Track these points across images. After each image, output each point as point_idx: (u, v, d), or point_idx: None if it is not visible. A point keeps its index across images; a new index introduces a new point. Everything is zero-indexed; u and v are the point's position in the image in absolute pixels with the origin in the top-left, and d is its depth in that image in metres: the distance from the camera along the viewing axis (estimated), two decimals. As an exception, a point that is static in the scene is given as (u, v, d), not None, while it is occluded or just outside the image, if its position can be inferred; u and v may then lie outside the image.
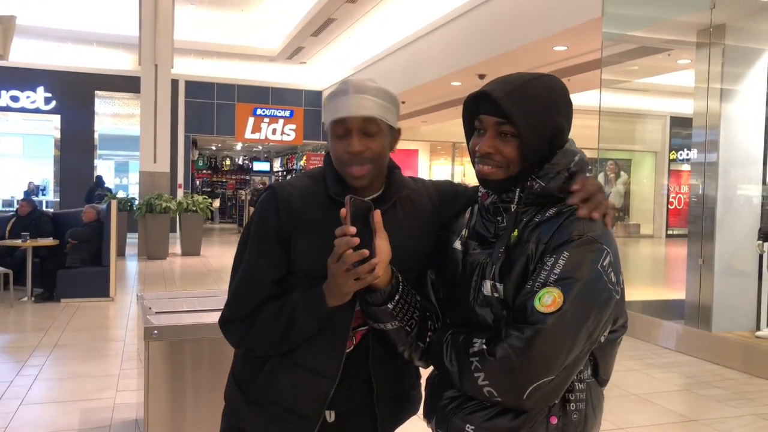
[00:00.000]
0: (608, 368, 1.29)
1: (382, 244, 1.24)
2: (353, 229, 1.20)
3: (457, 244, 1.35)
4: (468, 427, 1.22)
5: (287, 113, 15.49)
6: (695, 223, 6.27)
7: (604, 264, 1.15)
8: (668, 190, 17.10)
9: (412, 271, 1.40)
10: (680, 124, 15.96)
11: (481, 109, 1.26)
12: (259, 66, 15.81)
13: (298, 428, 1.39)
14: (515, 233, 1.24)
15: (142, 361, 3.05)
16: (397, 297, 1.27)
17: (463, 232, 1.36)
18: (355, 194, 1.31)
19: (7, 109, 14.80)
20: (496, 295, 1.23)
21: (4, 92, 14.57)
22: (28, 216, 8.15)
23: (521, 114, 1.20)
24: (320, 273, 1.30)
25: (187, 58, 14.86)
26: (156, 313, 3.08)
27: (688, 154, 13.04)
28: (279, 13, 13.24)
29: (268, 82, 16.47)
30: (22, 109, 14.90)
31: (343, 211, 1.23)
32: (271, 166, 24.39)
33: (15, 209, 8.67)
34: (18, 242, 7.52)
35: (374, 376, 1.41)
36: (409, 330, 1.29)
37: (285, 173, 19.13)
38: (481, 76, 9.99)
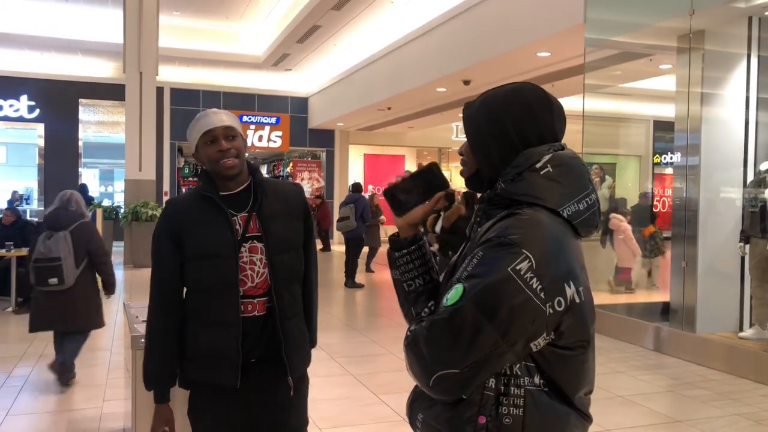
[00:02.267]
0: (570, 384, 1.24)
1: (420, 209, 1.38)
2: (406, 174, 1.40)
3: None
4: (419, 416, 1.32)
5: (273, 120, 15.48)
6: (678, 225, 6.35)
7: (518, 268, 1.12)
8: (653, 193, 17.27)
9: (290, 252, 1.99)
10: (663, 128, 16.12)
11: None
12: (245, 73, 15.80)
13: (225, 367, 1.90)
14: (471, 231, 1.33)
15: (129, 371, 3.04)
16: (404, 251, 1.39)
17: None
18: (226, 186, 1.95)
19: (-8, 118, 14.68)
20: None
21: (-10, 100, 14.43)
22: (12, 225, 8.08)
23: (467, 117, 1.34)
24: (206, 253, 1.90)
25: (173, 66, 14.82)
26: (143, 321, 3.07)
27: (671, 158, 13.19)
28: (264, 20, 13.27)
29: (254, 88, 16.47)
30: (5, 118, 14.77)
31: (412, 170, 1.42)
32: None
33: None
34: (2, 252, 7.46)
35: (282, 331, 1.94)
36: (405, 288, 1.39)
37: (274, 179, 19.11)
38: (466, 82, 10.06)
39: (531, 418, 1.18)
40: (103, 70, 15.09)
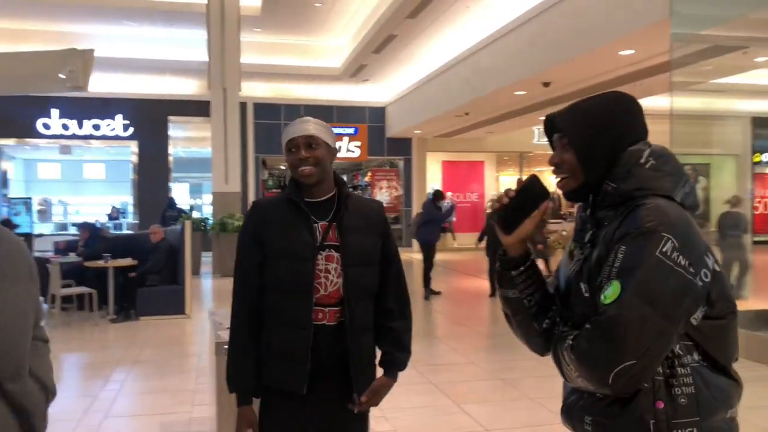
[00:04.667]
0: (724, 353, 1.31)
1: (529, 223, 1.42)
2: (512, 194, 1.44)
3: (567, 251, 1.51)
4: (587, 419, 1.33)
5: (351, 130, 15.70)
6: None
7: (664, 250, 1.20)
8: (752, 194, 16.25)
9: (365, 266, 2.00)
10: (764, 124, 15.18)
11: (554, 130, 1.46)
12: (324, 85, 16.12)
13: (294, 371, 1.93)
14: (588, 235, 1.38)
15: (214, 376, 3.14)
16: (522, 268, 1.44)
17: (570, 243, 1.52)
18: (310, 193, 2.00)
19: (90, 137, 15.66)
20: (587, 295, 1.34)
21: (86, 121, 15.41)
22: (100, 238, 8.60)
23: (570, 125, 1.39)
24: (285, 252, 1.96)
25: (255, 81, 15.32)
26: (226, 328, 3.16)
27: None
28: (341, 33, 13.52)
29: (332, 100, 16.77)
30: (104, 137, 15.72)
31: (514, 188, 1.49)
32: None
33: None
34: (100, 263, 7.91)
35: (350, 345, 1.95)
36: (526, 304, 1.44)
37: (352, 189, 19.37)
38: (546, 84, 9.83)
39: (702, 395, 1.25)
40: (190, 87, 15.80)
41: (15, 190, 17.59)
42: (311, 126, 2.01)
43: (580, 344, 1.25)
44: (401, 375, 2.08)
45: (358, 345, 1.99)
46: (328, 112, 16.59)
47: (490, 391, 5.00)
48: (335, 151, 2.07)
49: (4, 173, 16.64)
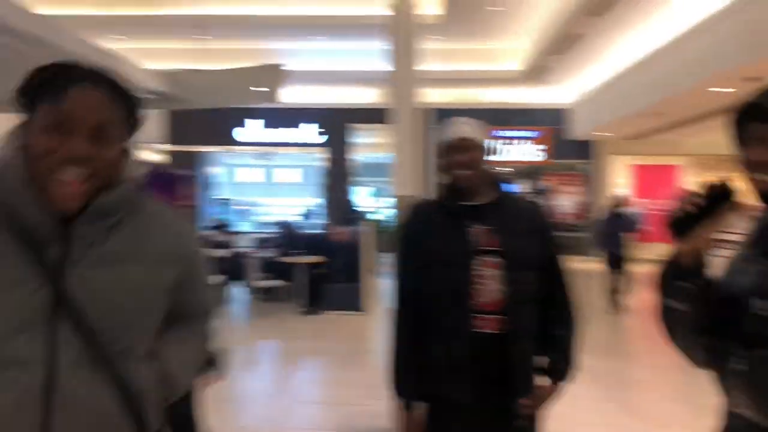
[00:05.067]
0: None
1: (706, 231, 1.25)
2: (697, 200, 1.27)
3: (740, 257, 1.32)
4: None
5: (532, 134, 15.37)
6: None
7: None
8: None
9: (527, 271, 1.90)
10: None
11: (759, 118, 1.22)
12: (503, 89, 15.99)
13: (456, 381, 1.88)
14: None
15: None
16: (696, 279, 1.28)
17: (742, 247, 1.33)
18: (467, 196, 1.96)
19: (284, 144, 17.10)
20: (763, 312, 1.17)
21: (280, 129, 16.87)
22: (294, 236, 9.30)
23: None
24: (439, 259, 1.91)
25: (433, 88, 15.63)
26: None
27: None
28: (521, 35, 13.30)
29: (511, 103, 16.55)
30: (295, 144, 17.09)
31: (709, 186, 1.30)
32: (520, 187, 24.24)
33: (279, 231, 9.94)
34: (294, 258, 8.58)
35: (513, 354, 1.88)
36: (694, 317, 1.28)
37: (534, 193, 18.93)
38: (751, 80, 8.86)
39: None
40: (371, 96, 16.56)
41: (218, 193, 19.69)
42: (467, 128, 1.96)
43: (757, 372, 1.15)
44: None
45: (522, 352, 1.92)
46: (507, 116, 16.40)
47: (682, 415, 4.62)
48: (490, 151, 2.03)
49: (212, 177, 18.66)
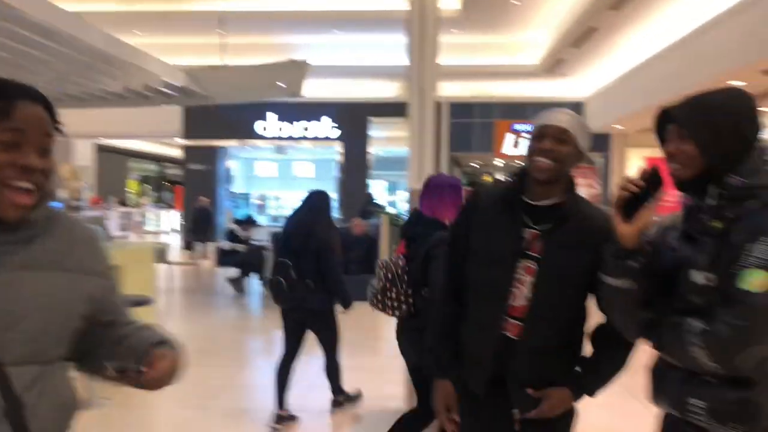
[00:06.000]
0: None
1: (647, 213, 1.46)
2: (641, 184, 1.46)
3: (670, 241, 1.55)
4: (699, 403, 1.40)
5: (548, 127, 15.33)
6: None
7: None
8: None
9: (561, 285, 1.79)
10: None
11: (671, 121, 1.50)
12: (520, 82, 15.98)
13: (477, 374, 1.89)
14: (719, 225, 1.40)
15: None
16: (640, 259, 1.47)
17: (673, 233, 1.55)
18: (533, 193, 1.84)
19: (302, 138, 17.19)
20: (705, 282, 1.39)
21: (298, 123, 16.96)
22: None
23: (690, 116, 1.44)
24: (485, 253, 1.87)
25: (450, 81, 15.66)
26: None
27: None
28: (538, 29, 13.30)
29: (528, 97, 16.54)
30: (314, 138, 17.17)
31: (646, 171, 1.48)
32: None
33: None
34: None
35: (518, 360, 1.82)
36: (636, 295, 1.48)
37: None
38: (767, 72, 8.83)
39: None
40: (389, 90, 16.60)
41: (237, 186, 19.88)
42: (567, 118, 1.82)
43: (718, 328, 1.33)
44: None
45: (530, 365, 1.84)
46: (523, 109, 16.39)
47: None
48: (582, 157, 1.85)
49: (229, 171, 18.86)
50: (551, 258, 1.80)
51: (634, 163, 17.16)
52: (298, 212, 4.57)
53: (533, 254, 1.81)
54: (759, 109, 1.45)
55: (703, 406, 1.40)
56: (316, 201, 4.53)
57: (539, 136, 1.80)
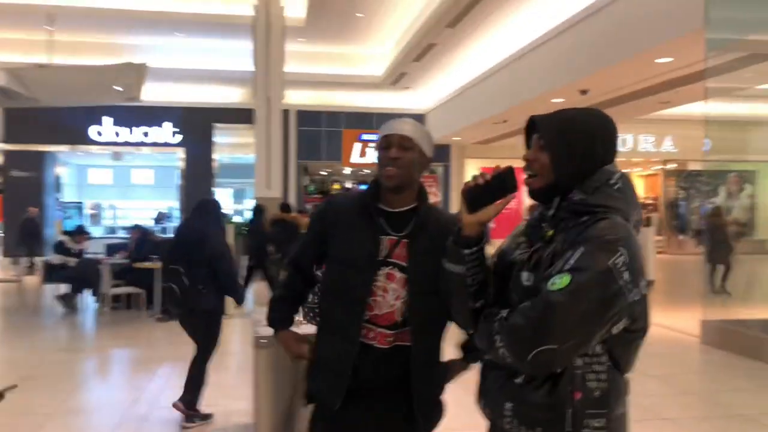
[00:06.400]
0: (627, 365, 1.46)
1: (493, 209, 1.51)
2: (488, 179, 1.51)
3: (514, 245, 1.61)
4: (508, 404, 1.44)
5: (392, 137, 15.86)
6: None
7: (617, 262, 1.32)
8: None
9: (433, 294, 1.70)
10: (811, 131, 14.73)
11: (535, 130, 1.57)
12: (365, 93, 16.38)
13: (332, 384, 1.84)
14: (551, 232, 1.47)
15: (252, 368, 3.35)
16: (474, 248, 1.52)
17: (521, 237, 1.61)
18: (388, 200, 1.87)
19: (140, 144, 16.27)
20: (527, 283, 1.46)
21: (136, 128, 16.04)
22: (149, 241, 8.97)
23: (549, 128, 1.49)
24: (344, 259, 1.86)
25: (298, 90, 15.68)
26: (265, 324, 3.37)
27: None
28: (383, 42, 13.74)
29: (373, 107, 17.00)
30: (153, 143, 16.32)
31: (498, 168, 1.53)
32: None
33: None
34: (149, 264, 8.27)
35: (414, 380, 1.82)
36: (469, 282, 1.52)
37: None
38: (584, 92, 9.85)
39: (612, 391, 1.40)
40: (235, 96, 16.27)
41: (68, 195, 18.36)
42: (410, 127, 1.88)
43: (515, 318, 1.37)
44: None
45: (424, 376, 1.85)
46: (368, 119, 16.82)
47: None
48: (429, 161, 1.92)
49: (58, 178, 17.38)
50: (416, 264, 1.82)
51: (471, 173, 18.29)
52: (189, 220, 4.77)
53: (396, 261, 1.83)
54: (616, 135, 1.51)
55: (510, 408, 1.43)
56: (208, 208, 4.66)
57: (385, 145, 1.86)
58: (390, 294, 1.82)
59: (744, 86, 8.19)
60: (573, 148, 1.45)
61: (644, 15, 7.42)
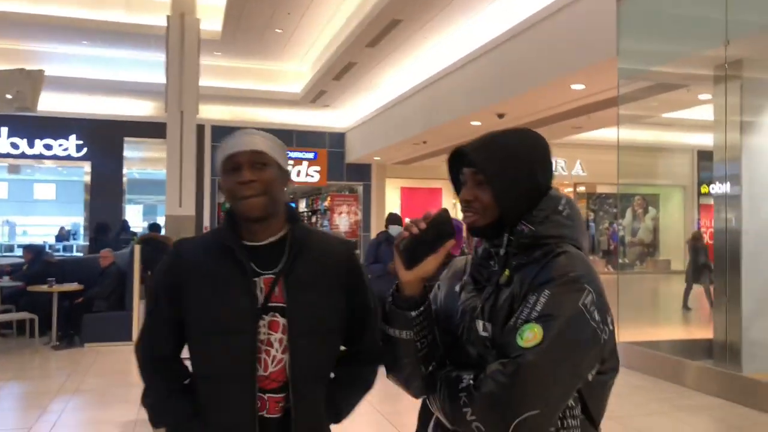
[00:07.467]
0: (599, 410, 1.31)
1: (433, 261, 1.31)
2: (423, 226, 1.32)
3: (457, 288, 1.43)
4: None
5: (311, 155, 15.66)
6: (720, 258, 6.13)
7: (586, 302, 1.19)
8: (698, 224, 16.80)
9: (316, 335, 1.46)
10: (708, 157, 15.77)
11: (464, 163, 1.38)
12: (284, 110, 16.12)
13: None
14: (506, 273, 1.30)
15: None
16: (421, 308, 1.32)
17: (464, 278, 1.43)
18: (252, 233, 1.49)
19: (41, 157, 15.25)
20: (485, 334, 1.29)
21: (38, 141, 15.02)
22: (33, 262, 8.36)
23: (487, 162, 1.31)
24: (212, 325, 1.43)
25: (213, 105, 15.23)
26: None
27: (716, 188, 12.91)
28: (302, 59, 13.57)
29: (292, 125, 16.75)
30: (55, 157, 15.34)
31: (429, 215, 1.34)
32: (297, 208, 24.65)
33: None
34: (44, 287, 7.66)
35: None
36: (419, 347, 1.32)
37: (310, 214, 19.36)
38: (500, 116, 10.03)
39: None
40: (146, 109, 15.60)
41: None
42: (259, 139, 1.47)
43: (486, 385, 1.17)
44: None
45: None
46: (287, 136, 16.53)
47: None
48: (288, 174, 1.54)
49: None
50: (296, 303, 1.46)
51: (391, 192, 18.33)
52: None
53: (277, 303, 1.46)
54: (550, 153, 1.39)
55: None
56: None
57: (234, 168, 1.45)
58: (274, 347, 1.45)
59: (651, 114, 8.57)
60: (516, 180, 1.31)
61: (560, 42, 7.62)
